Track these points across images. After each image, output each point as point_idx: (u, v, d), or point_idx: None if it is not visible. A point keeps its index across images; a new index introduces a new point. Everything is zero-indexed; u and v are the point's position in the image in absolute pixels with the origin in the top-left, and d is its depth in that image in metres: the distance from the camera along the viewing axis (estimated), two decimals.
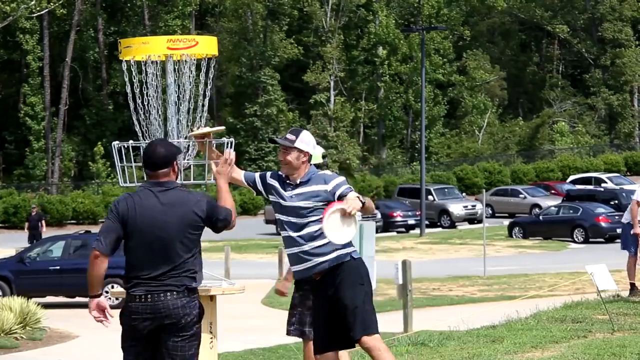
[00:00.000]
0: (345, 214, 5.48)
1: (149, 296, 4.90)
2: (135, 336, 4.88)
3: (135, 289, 4.97)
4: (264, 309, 19.15)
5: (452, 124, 62.38)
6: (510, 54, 66.24)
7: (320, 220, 5.58)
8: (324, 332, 5.57)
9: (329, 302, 5.58)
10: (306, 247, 5.65)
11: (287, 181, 5.82)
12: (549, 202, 40.11)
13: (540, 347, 8.15)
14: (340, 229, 5.45)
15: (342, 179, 5.82)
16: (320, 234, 5.61)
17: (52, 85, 53.25)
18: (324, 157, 6.25)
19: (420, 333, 10.45)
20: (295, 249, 5.68)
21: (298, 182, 5.79)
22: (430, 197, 41.28)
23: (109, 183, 49.87)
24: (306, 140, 5.83)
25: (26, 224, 32.51)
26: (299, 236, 5.67)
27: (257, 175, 5.95)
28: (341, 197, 5.66)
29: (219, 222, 5.05)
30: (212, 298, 5.90)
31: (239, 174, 5.94)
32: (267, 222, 41.19)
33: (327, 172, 5.91)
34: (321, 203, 5.72)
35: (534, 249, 31.91)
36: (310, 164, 5.87)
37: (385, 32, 57.69)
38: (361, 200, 5.59)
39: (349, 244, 5.72)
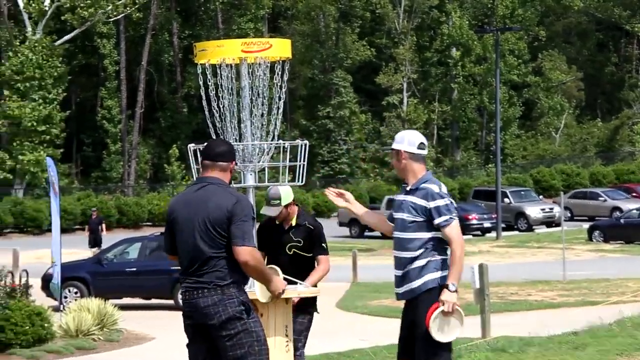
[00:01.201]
0: (447, 314, 5.40)
1: (187, 293, 4.91)
2: (188, 335, 4.87)
3: (182, 286, 5.01)
4: (339, 312, 19.10)
5: (528, 125, 61.63)
6: (587, 54, 65.13)
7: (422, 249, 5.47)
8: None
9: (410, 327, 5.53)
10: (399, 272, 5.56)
11: (404, 185, 5.72)
12: (630, 205, 39.33)
13: (626, 354, 7.92)
14: (447, 328, 5.40)
15: (444, 202, 5.51)
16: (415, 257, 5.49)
17: (128, 89, 54.21)
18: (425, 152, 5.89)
19: (499, 339, 10.24)
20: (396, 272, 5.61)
21: (408, 189, 5.64)
22: (506, 200, 40.86)
23: (183, 185, 50.46)
24: (399, 139, 5.63)
25: (86, 227, 32.82)
26: (397, 257, 5.57)
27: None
28: (437, 225, 5.45)
29: (236, 230, 4.86)
30: (287, 301, 5.84)
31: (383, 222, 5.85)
32: (341, 224, 41.20)
33: (434, 186, 5.56)
34: (420, 219, 5.50)
35: (615, 253, 31.22)
36: (427, 171, 5.66)
37: (459, 33, 57.29)
38: (454, 290, 5.39)
39: (442, 268, 5.52)
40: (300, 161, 6.27)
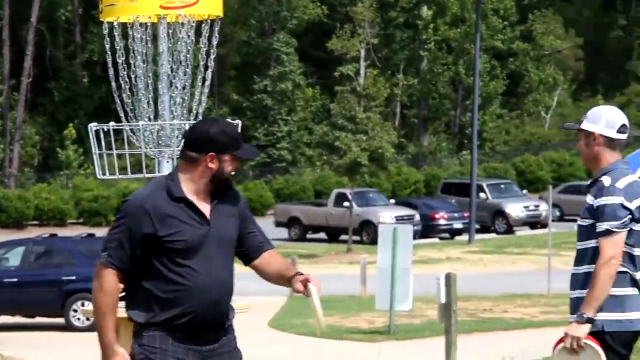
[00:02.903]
0: (573, 352, 5.32)
1: None
2: None
3: None
4: (272, 333, 19.29)
5: (513, 103, 62.26)
6: (589, 15, 65.96)
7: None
8: None
9: None
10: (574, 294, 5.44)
11: (590, 181, 5.59)
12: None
13: None
14: None
15: (612, 200, 5.27)
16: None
17: (11, 52, 53.65)
18: None
19: None
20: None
21: (590, 181, 5.50)
22: (482, 195, 41.29)
23: (81, 175, 50.22)
24: (595, 117, 5.43)
25: None
26: (572, 273, 5.46)
27: None
28: (598, 233, 5.28)
29: None
30: None
31: None
32: (278, 224, 41.37)
33: (606, 179, 5.35)
34: (587, 222, 5.35)
35: None
36: (619, 160, 5.42)
37: None
38: (584, 321, 5.27)
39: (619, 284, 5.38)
40: None
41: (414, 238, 21.94)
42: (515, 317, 20.35)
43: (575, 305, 5.38)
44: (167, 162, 6.63)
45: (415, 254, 25.01)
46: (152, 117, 6.76)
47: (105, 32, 6.74)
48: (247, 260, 4.91)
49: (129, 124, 6.83)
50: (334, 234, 40.62)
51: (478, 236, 38.56)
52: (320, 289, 4.74)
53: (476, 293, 23.25)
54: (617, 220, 5.23)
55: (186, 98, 6.68)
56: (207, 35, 6.79)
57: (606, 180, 5.32)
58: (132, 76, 6.73)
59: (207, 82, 6.65)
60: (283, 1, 57.14)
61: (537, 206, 41.88)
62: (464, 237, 38.85)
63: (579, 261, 5.41)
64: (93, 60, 56.12)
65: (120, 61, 6.70)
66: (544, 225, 37.50)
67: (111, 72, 6.87)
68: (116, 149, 6.92)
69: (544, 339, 14.82)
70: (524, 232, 40.78)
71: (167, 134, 6.58)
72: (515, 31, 60.06)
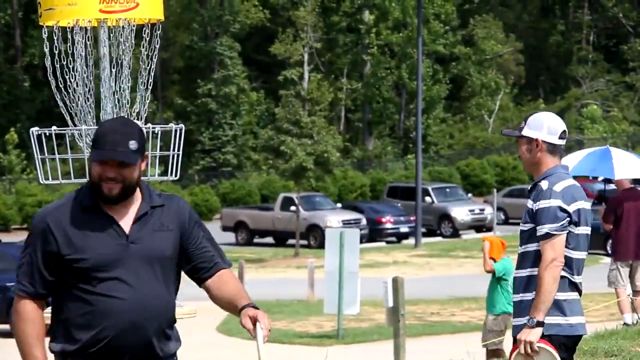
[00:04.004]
0: (529, 355, 5.35)
1: None
2: None
3: None
4: (221, 338, 19.15)
5: (456, 107, 62.61)
6: (529, 20, 66.57)
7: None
8: None
9: None
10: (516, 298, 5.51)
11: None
12: None
13: None
14: None
15: (550, 203, 5.31)
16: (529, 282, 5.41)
17: None
18: None
19: None
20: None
21: (530, 186, 5.56)
22: (427, 199, 41.45)
23: (24, 180, 49.63)
24: (537, 123, 5.50)
25: None
26: (515, 277, 5.52)
27: None
28: (538, 237, 5.35)
29: None
30: None
31: None
32: (225, 228, 41.18)
33: (544, 182, 5.40)
34: (528, 227, 5.43)
35: None
36: (559, 164, 5.45)
37: None
38: (535, 325, 5.29)
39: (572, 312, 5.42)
40: (174, 150, 6.31)
41: (361, 242, 21.88)
42: (463, 320, 20.39)
43: (519, 308, 5.43)
44: None
45: (362, 258, 24.96)
46: (94, 121, 6.61)
47: (45, 35, 6.57)
48: (198, 281, 4.34)
49: (71, 128, 6.68)
50: (281, 238, 40.48)
51: (424, 240, 38.69)
52: (268, 335, 4.21)
53: (423, 297, 23.27)
54: (556, 223, 5.29)
55: (127, 102, 6.53)
56: (147, 39, 6.64)
57: (544, 184, 5.37)
58: (74, 80, 6.58)
59: (149, 86, 6.52)
60: (225, 5, 56.98)
61: (482, 210, 42.10)
62: (411, 240, 38.95)
63: (520, 265, 5.45)
64: (34, 64, 55.54)
65: (61, 64, 6.56)
66: (489, 229, 37.69)
67: (52, 76, 6.72)
68: (59, 154, 6.77)
69: None
70: (469, 235, 40.97)
71: None
72: (456, 36, 60.44)
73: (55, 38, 6.67)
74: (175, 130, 6.15)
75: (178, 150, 6.33)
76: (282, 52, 55.35)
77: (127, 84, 6.52)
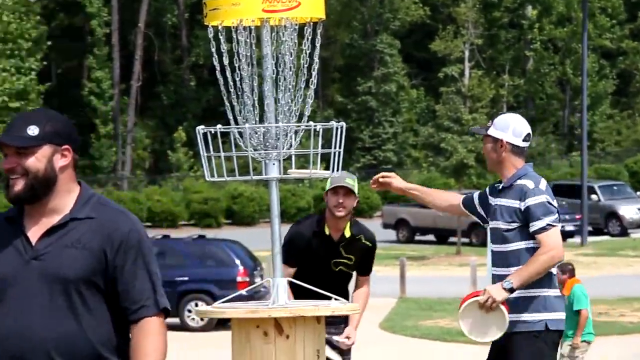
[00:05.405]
0: (485, 308, 5.49)
1: None
2: None
3: None
4: (383, 335, 19.23)
5: (624, 103, 61.32)
6: None
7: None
8: None
9: None
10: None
11: (496, 185, 5.82)
12: None
13: None
14: (480, 325, 5.51)
15: (542, 199, 5.56)
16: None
17: (121, 57, 54.62)
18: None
19: None
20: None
21: (501, 187, 5.73)
22: (594, 197, 40.85)
23: (191, 177, 50.83)
24: (502, 125, 5.71)
25: None
26: (498, 275, 5.64)
27: (475, 195, 5.98)
28: (532, 233, 5.53)
29: None
30: (319, 320, 5.96)
31: (456, 198, 5.97)
32: (386, 226, 41.29)
33: (528, 182, 5.64)
34: (515, 225, 5.59)
35: None
36: (526, 164, 5.73)
37: None
38: (507, 289, 5.47)
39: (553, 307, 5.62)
40: (335, 147, 6.36)
41: None
42: (633, 321, 20.02)
43: (515, 304, 5.61)
44: (273, 164, 6.60)
45: None
46: (256, 119, 6.73)
47: (211, 35, 6.71)
48: (127, 323, 3.49)
49: (236, 126, 6.82)
50: (442, 236, 40.39)
51: (591, 239, 38.16)
52: None
53: (591, 296, 22.83)
54: (552, 215, 5.51)
55: (291, 101, 6.63)
56: (309, 37, 6.73)
57: (529, 184, 5.58)
58: (238, 79, 6.71)
59: (313, 85, 6.60)
60: (385, 3, 57.15)
61: None
62: (576, 239, 38.41)
63: (504, 263, 5.57)
64: (199, 64, 56.82)
65: (226, 64, 6.69)
66: None
67: (219, 75, 6.88)
68: (224, 152, 6.93)
69: None
70: (639, 234, 40.21)
71: (272, 136, 6.56)
72: (624, 30, 59.30)
73: (220, 38, 6.82)
74: (337, 128, 6.20)
75: (339, 147, 6.37)
76: (442, 49, 55.03)
77: (291, 83, 6.62)
